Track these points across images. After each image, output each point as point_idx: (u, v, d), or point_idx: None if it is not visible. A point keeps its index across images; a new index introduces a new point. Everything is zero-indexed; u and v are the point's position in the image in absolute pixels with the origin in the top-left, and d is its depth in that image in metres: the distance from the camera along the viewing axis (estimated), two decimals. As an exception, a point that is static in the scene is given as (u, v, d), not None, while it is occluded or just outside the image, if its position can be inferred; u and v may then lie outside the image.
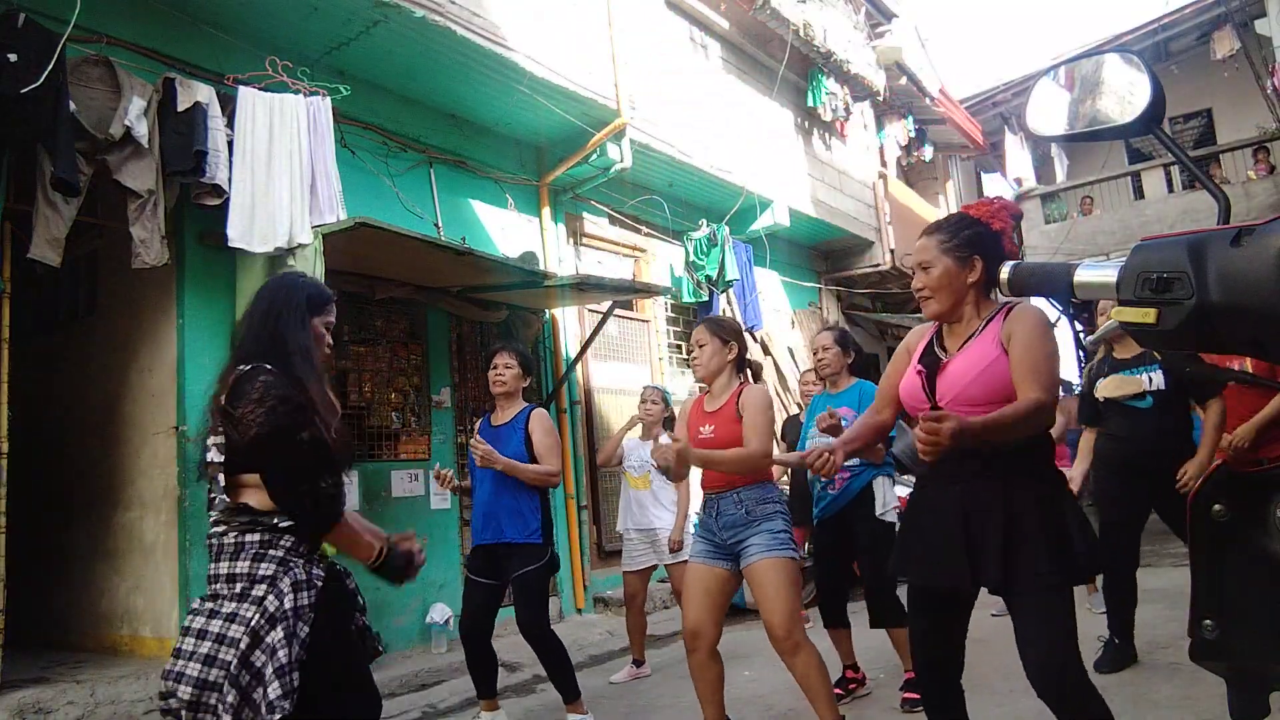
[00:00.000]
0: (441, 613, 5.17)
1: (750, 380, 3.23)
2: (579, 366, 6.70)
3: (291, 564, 1.94)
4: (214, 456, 1.97)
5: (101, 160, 3.97)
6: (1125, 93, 1.40)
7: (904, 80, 10.64)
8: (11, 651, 3.86)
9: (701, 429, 3.11)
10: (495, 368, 3.84)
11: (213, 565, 1.95)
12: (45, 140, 3.73)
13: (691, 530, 4.66)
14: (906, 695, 3.62)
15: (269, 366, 1.99)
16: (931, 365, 2.22)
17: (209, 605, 1.91)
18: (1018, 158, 13.65)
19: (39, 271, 3.88)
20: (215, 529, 1.97)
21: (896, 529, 3.62)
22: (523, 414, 3.81)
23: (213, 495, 2.00)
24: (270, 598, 1.88)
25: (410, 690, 4.56)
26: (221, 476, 1.96)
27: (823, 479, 3.77)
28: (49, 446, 5.37)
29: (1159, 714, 3.13)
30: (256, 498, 1.96)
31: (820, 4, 8.89)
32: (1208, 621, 1.28)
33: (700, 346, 3.18)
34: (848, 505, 3.84)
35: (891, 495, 3.87)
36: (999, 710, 3.50)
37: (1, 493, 3.78)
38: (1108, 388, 3.85)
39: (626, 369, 7.40)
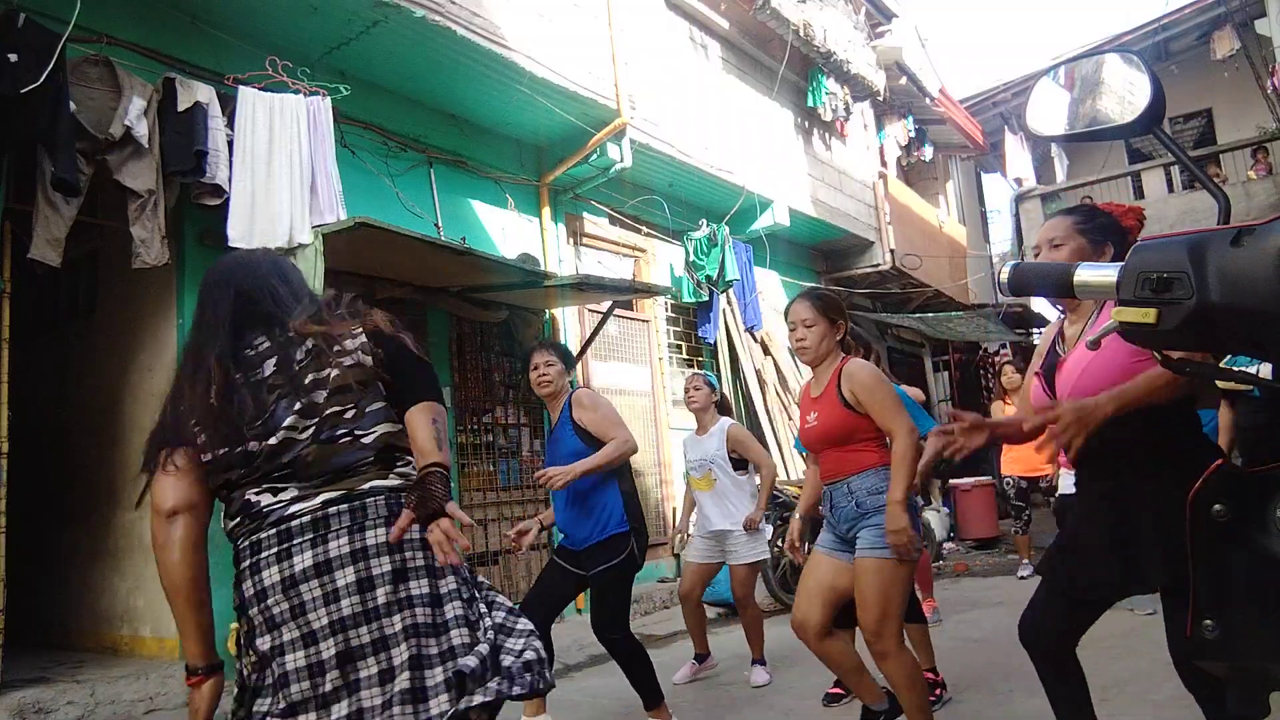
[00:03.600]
0: (441, 613, 5.16)
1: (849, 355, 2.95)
2: (579, 366, 6.70)
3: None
4: None
5: (101, 160, 3.97)
6: (1125, 93, 1.40)
7: (904, 80, 10.64)
8: (11, 651, 3.86)
9: (808, 418, 2.89)
10: (536, 367, 3.60)
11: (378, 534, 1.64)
12: (45, 140, 3.73)
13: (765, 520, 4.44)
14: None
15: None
16: (1050, 368, 2.18)
17: None
18: (1018, 158, 13.65)
19: (39, 271, 3.88)
20: (379, 483, 1.70)
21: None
22: (565, 406, 3.56)
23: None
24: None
25: (410, 690, 4.55)
26: None
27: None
28: (49, 446, 5.37)
29: (1159, 714, 3.13)
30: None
31: (820, 4, 8.89)
32: (1208, 621, 1.28)
33: (807, 327, 2.84)
34: None
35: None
36: (999, 710, 3.50)
37: (1, 493, 3.78)
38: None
39: (626, 369, 7.40)
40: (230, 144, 4.30)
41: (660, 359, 7.78)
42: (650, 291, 6.88)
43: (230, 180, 4.26)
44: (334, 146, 4.69)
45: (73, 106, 3.78)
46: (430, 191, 5.82)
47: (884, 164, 11.04)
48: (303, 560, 1.53)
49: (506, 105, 5.98)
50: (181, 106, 4.14)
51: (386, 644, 1.52)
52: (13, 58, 3.57)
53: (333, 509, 1.56)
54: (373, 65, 5.29)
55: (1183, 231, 1.12)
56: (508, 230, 6.36)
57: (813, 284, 10.17)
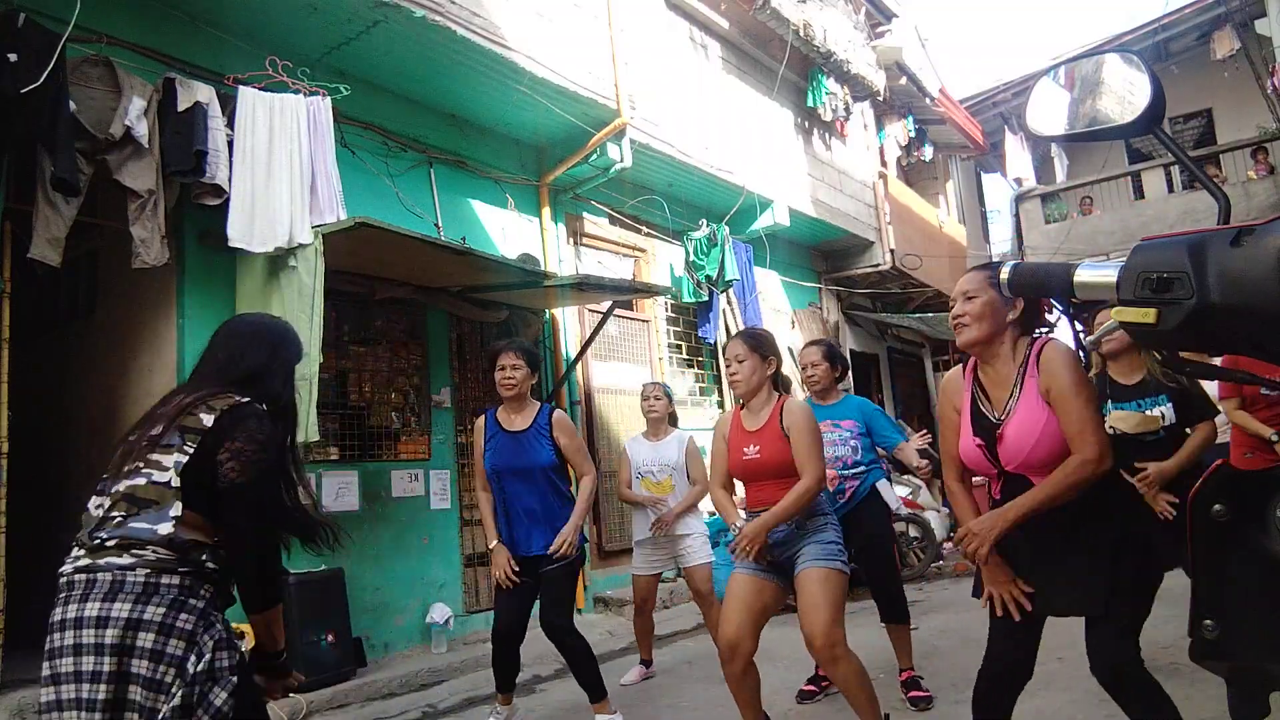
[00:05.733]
0: (441, 613, 5.17)
1: (785, 393, 3.15)
2: (579, 366, 6.70)
3: (212, 617, 1.74)
4: (167, 477, 1.76)
5: (101, 160, 3.97)
6: (1125, 93, 1.40)
7: (904, 80, 10.64)
8: (11, 651, 3.87)
9: (746, 450, 3.04)
10: (503, 369, 3.65)
11: (102, 605, 1.65)
12: (45, 140, 3.73)
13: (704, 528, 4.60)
14: (915, 694, 3.61)
15: (263, 407, 1.93)
16: (988, 434, 2.26)
17: (94, 660, 1.64)
18: (1018, 158, 13.65)
19: (39, 271, 3.88)
20: (115, 560, 1.70)
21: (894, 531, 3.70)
22: (542, 418, 3.65)
23: (114, 516, 1.75)
24: (191, 657, 1.67)
25: (410, 690, 4.56)
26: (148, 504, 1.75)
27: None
28: (49, 446, 5.37)
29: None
30: (190, 534, 1.76)
31: (820, 4, 8.89)
32: (1208, 621, 1.28)
33: (740, 362, 3.09)
34: (854, 510, 3.84)
35: (894, 496, 3.93)
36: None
37: (1, 493, 3.78)
38: (1123, 421, 3.58)
39: (626, 369, 7.40)
40: (230, 144, 4.30)
41: (660, 359, 7.78)
42: (650, 291, 6.88)
43: (230, 180, 4.26)
44: (334, 146, 4.69)
45: (73, 106, 3.78)
46: (430, 191, 5.82)
47: (884, 164, 11.04)
48: (54, 614, 1.71)
49: (506, 105, 5.98)
50: (181, 106, 4.14)
51: (90, 705, 1.63)
52: (13, 58, 3.57)
53: (77, 577, 1.71)
54: (373, 65, 5.29)
55: (1183, 231, 1.12)
56: (508, 230, 6.36)
57: (813, 284, 10.17)
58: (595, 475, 3.71)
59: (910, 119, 11.54)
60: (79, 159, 3.83)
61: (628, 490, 4.68)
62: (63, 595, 1.70)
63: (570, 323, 6.84)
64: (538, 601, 3.61)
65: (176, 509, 1.74)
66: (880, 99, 10.47)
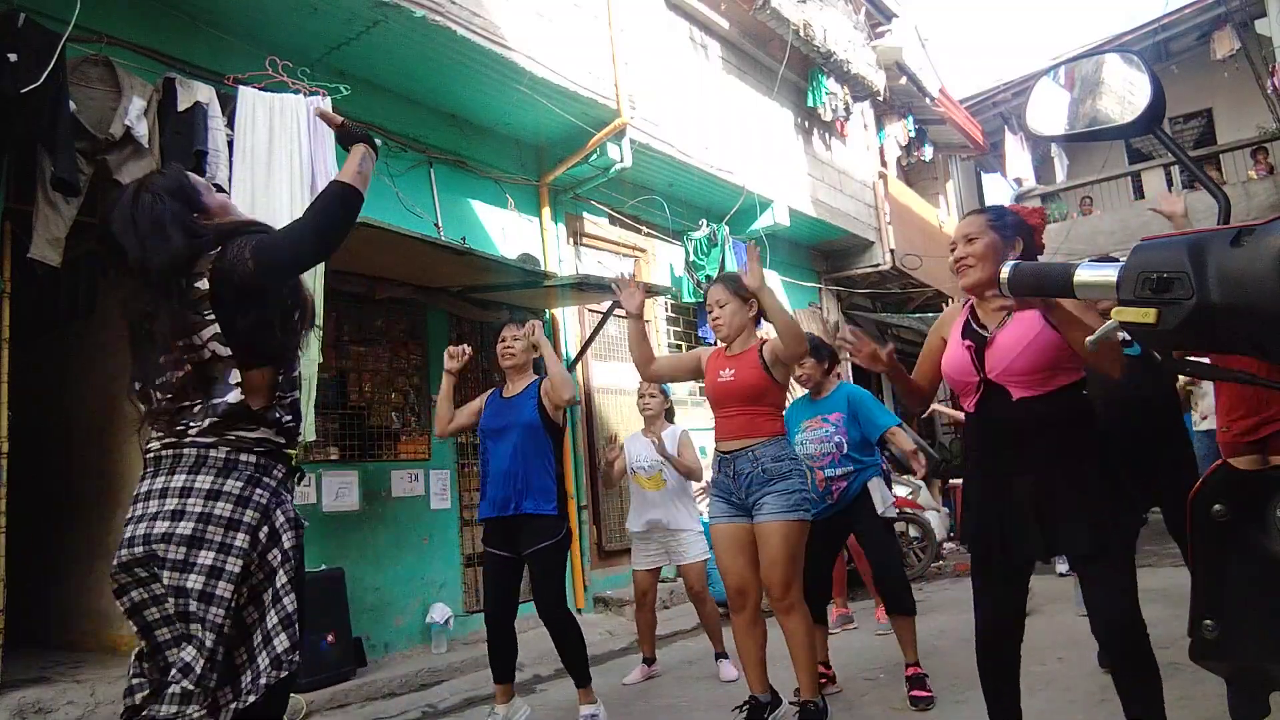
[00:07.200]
0: (441, 613, 5.17)
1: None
2: (579, 366, 6.70)
3: (283, 495, 1.86)
4: (210, 351, 1.79)
5: (101, 160, 3.97)
6: (1125, 93, 1.40)
7: (904, 80, 10.63)
8: (11, 651, 3.86)
9: (722, 373, 3.20)
10: (504, 340, 3.84)
11: (187, 477, 1.77)
12: (45, 140, 3.72)
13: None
14: (916, 693, 3.60)
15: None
16: (978, 340, 2.35)
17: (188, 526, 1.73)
18: (1018, 158, 13.65)
19: (39, 271, 3.87)
20: (199, 439, 1.80)
21: (893, 525, 3.71)
22: (534, 384, 3.79)
23: (184, 405, 1.81)
24: (265, 527, 1.80)
25: (410, 690, 4.56)
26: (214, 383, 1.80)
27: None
28: (49, 446, 5.37)
29: (1159, 714, 3.12)
30: (258, 398, 1.86)
31: (820, 4, 8.88)
32: (1208, 621, 1.28)
33: (721, 306, 3.24)
34: (845, 509, 3.85)
35: (888, 494, 3.93)
36: (999, 710, 3.49)
37: (1, 493, 3.78)
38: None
39: (627, 369, 7.38)
40: (230, 144, 4.30)
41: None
42: (650, 291, 6.88)
43: (230, 180, 4.26)
44: (334, 146, 4.68)
45: (73, 106, 3.77)
46: (430, 191, 5.82)
47: (884, 164, 11.03)
48: (141, 486, 1.84)
49: (506, 105, 5.98)
50: (181, 106, 4.13)
51: (161, 563, 1.75)
52: (13, 58, 3.56)
53: (165, 453, 1.83)
54: (373, 65, 5.29)
55: (1183, 231, 1.12)
56: (508, 230, 6.36)
57: (813, 284, 10.17)
58: (572, 387, 3.72)
59: (910, 119, 11.53)
60: (79, 159, 3.83)
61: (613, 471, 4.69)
62: (150, 469, 1.83)
63: (570, 323, 6.84)
64: (530, 594, 3.63)
65: (235, 375, 1.83)
66: (880, 99, 10.46)
